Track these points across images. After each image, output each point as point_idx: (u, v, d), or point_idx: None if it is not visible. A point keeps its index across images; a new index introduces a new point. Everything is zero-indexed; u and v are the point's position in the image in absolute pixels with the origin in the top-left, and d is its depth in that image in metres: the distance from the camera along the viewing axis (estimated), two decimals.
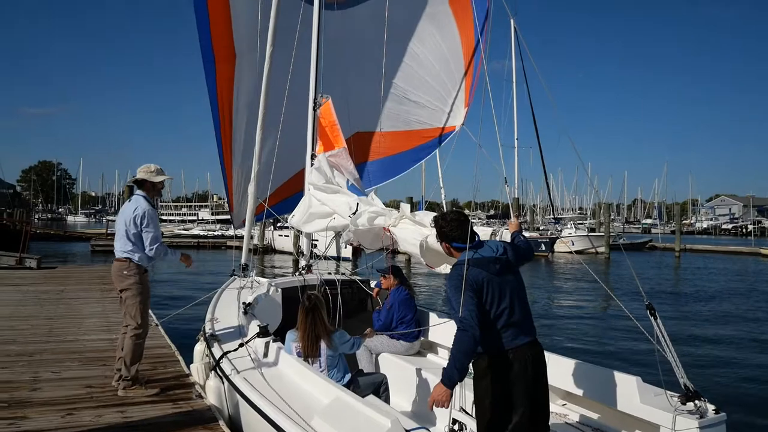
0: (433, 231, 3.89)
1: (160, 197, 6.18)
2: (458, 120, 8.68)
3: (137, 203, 5.35)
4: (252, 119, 7.65)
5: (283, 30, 7.32)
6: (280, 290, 6.61)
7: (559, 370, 4.38)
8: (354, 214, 5.29)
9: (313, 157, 6.89)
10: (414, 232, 4.68)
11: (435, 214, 4.22)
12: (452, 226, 3.60)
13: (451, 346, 3.21)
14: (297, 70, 7.27)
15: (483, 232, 4.38)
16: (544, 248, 37.03)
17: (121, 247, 5.33)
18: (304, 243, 7.67)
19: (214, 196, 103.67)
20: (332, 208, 5.88)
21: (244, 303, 5.92)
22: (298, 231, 7.01)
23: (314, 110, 7.04)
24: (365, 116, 8.87)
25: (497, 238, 4.33)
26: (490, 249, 3.54)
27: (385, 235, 5.04)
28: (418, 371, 5.28)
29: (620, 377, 4.05)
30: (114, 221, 5.60)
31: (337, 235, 6.55)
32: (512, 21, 29.37)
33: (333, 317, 6.19)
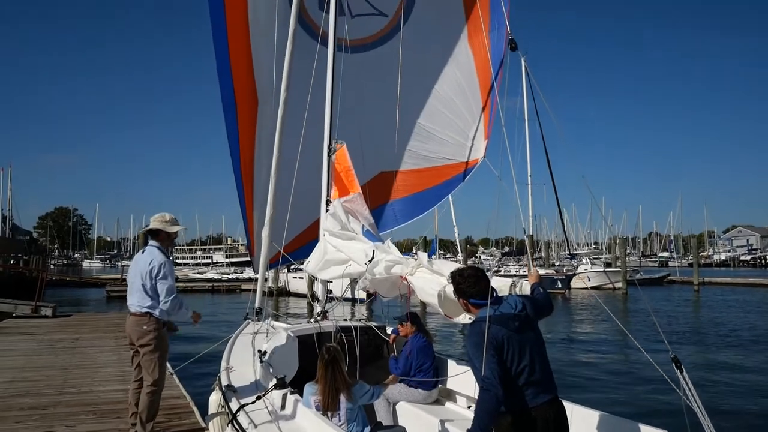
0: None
1: (173, 247, 6.14)
2: (480, 153, 8.72)
3: (152, 255, 5.27)
4: (285, 166, 7.57)
5: (302, 73, 7.40)
6: (296, 338, 6.51)
7: (583, 423, 4.22)
8: (370, 261, 5.23)
9: (328, 202, 6.87)
10: (432, 282, 4.60)
11: (453, 263, 4.16)
12: (470, 283, 3.54)
13: (469, 394, 3.14)
14: (317, 114, 7.34)
15: (502, 283, 4.31)
16: (560, 285, 36.61)
17: (139, 301, 5.22)
18: (319, 288, 7.60)
19: (228, 238, 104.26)
20: (348, 254, 5.82)
21: (259, 351, 5.83)
22: (314, 277, 6.95)
23: (329, 156, 7.06)
24: (388, 155, 8.90)
25: (517, 291, 4.25)
26: (509, 305, 3.49)
27: (402, 284, 4.96)
28: (441, 423, 5.13)
29: (647, 431, 3.89)
30: (128, 266, 5.51)
31: (353, 281, 6.47)
32: (523, 60, 29.61)
33: (350, 365, 6.07)
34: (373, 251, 5.42)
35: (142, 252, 5.43)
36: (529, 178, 40.88)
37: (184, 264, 73.77)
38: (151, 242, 5.42)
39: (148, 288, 5.18)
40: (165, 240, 5.47)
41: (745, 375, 13.37)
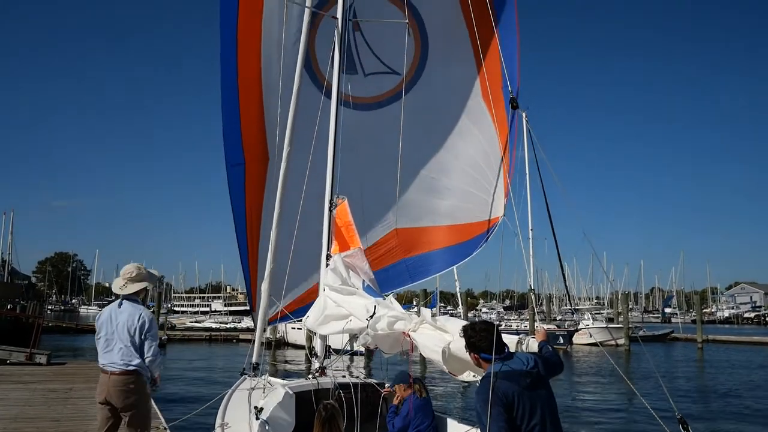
0: (455, 337, 3.80)
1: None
2: (500, 211, 8.63)
3: (139, 309, 5.05)
4: (286, 220, 7.51)
5: (314, 130, 7.48)
6: (293, 394, 6.40)
7: None
8: (371, 317, 5.19)
9: (328, 257, 6.87)
10: (435, 338, 4.55)
11: (457, 320, 4.14)
12: (481, 336, 3.51)
13: None
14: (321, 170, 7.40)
15: (508, 340, 4.27)
16: (562, 341, 36.12)
17: (124, 358, 4.93)
18: (317, 343, 7.51)
19: (228, 287, 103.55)
20: (348, 310, 5.78)
21: (255, 408, 5.71)
22: (313, 332, 6.88)
23: (330, 210, 7.09)
24: (406, 212, 8.82)
25: (524, 348, 4.20)
26: (520, 361, 3.44)
27: (405, 340, 4.91)
28: None
29: None
30: None
31: (354, 337, 6.41)
32: (524, 115, 30.03)
33: (348, 424, 5.94)
34: (375, 307, 5.38)
35: (119, 306, 5.11)
36: (530, 232, 40.88)
37: (182, 312, 73.06)
38: (131, 296, 5.14)
39: (137, 344, 4.96)
40: (142, 291, 5.26)
41: None
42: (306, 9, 7.32)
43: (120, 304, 5.12)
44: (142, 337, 4.97)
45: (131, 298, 5.13)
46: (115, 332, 5.00)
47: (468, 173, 8.87)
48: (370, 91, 8.62)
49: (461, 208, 8.85)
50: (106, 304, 6.15)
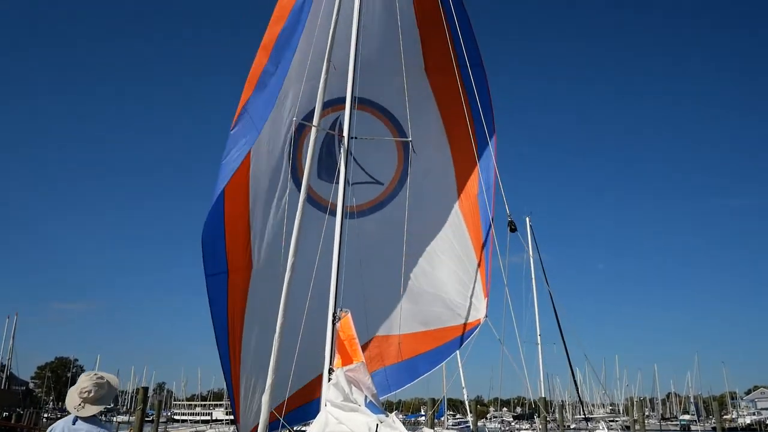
0: None
1: None
2: (480, 313, 8.71)
3: (102, 426, 4.39)
4: (266, 328, 7.54)
5: (306, 241, 7.66)
6: None
7: None
8: None
9: (330, 371, 6.79)
10: None
11: None
12: None
13: None
14: (318, 279, 7.49)
15: None
16: None
17: None
18: None
19: None
20: (350, 428, 5.66)
21: None
22: None
23: (333, 324, 7.09)
24: (382, 319, 8.94)
25: None
26: None
27: None
28: None
29: None
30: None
31: None
32: (528, 219, 30.49)
33: None
34: (377, 425, 5.28)
35: (73, 423, 4.31)
36: (538, 337, 40.06)
37: (182, 421, 70.63)
38: (91, 414, 4.31)
39: None
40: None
41: None
42: (313, 128, 7.68)
43: (74, 421, 4.31)
44: None
45: (91, 415, 4.31)
46: None
47: (445, 280, 9.07)
48: (353, 200, 8.91)
49: (438, 313, 9.01)
50: (104, 412, 5.72)
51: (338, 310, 7.14)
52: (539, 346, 40.19)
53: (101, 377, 4.34)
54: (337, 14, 7.88)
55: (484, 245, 8.81)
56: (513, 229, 6.33)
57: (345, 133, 7.89)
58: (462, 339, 8.82)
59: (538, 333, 40.22)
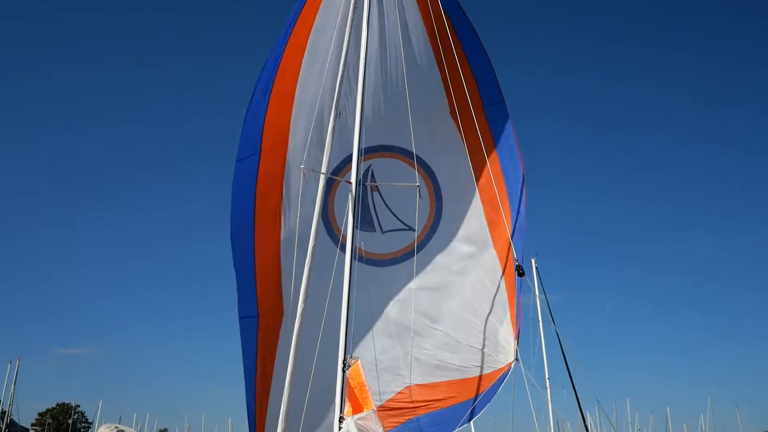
0: None
1: None
2: (510, 356, 8.46)
3: None
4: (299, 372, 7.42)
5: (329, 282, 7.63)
6: None
7: None
8: None
9: (341, 419, 6.68)
10: None
11: None
12: None
13: None
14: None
15: None
16: None
17: None
18: None
19: None
20: None
21: None
22: None
23: (343, 371, 7.00)
24: (417, 367, 8.73)
25: None
26: None
27: None
28: None
29: None
30: None
31: None
32: (533, 261, 30.28)
33: None
34: None
35: None
36: (547, 381, 39.31)
37: None
38: None
39: None
40: None
41: None
42: (321, 175, 7.76)
43: None
44: None
45: None
46: None
47: (479, 327, 8.89)
48: (386, 248, 8.89)
49: (473, 360, 8.75)
50: None
51: (348, 356, 7.06)
52: (548, 389, 39.37)
53: (122, 430, 4.37)
54: (344, 65, 8.02)
55: (516, 286, 8.63)
56: (521, 274, 6.34)
57: (353, 179, 7.95)
58: (500, 382, 8.51)
59: (547, 376, 39.44)
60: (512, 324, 8.56)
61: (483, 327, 8.80)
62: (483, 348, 8.72)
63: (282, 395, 7.81)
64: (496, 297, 8.82)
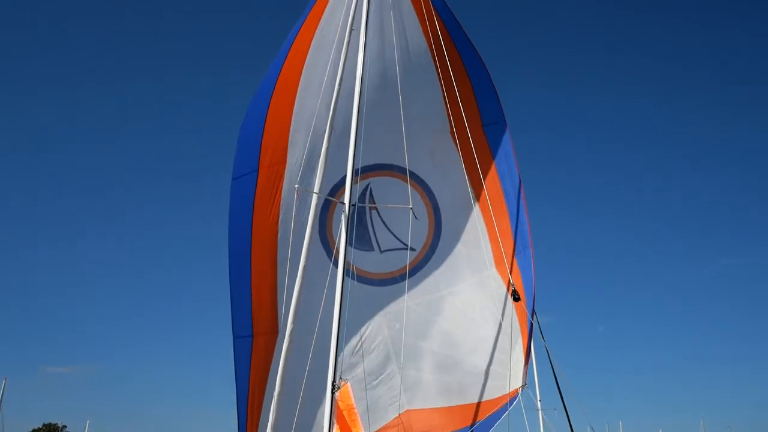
0: None
1: None
2: (518, 381, 8.23)
3: None
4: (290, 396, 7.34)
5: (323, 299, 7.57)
6: None
7: None
8: None
9: None
10: None
11: None
12: None
13: None
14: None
15: None
16: None
17: None
18: None
19: None
20: None
21: None
22: None
23: (332, 392, 6.92)
24: (419, 391, 8.54)
25: None
26: None
27: None
28: None
29: None
30: None
31: None
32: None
33: None
34: None
35: None
36: (539, 403, 38.96)
37: None
38: None
39: None
40: None
41: None
42: (314, 195, 7.70)
43: None
44: None
45: None
46: None
47: (481, 348, 8.68)
48: (385, 267, 8.81)
49: (474, 384, 8.52)
50: None
51: (338, 378, 6.97)
52: (540, 411, 38.93)
53: None
54: (340, 84, 8.00)
55: (526, 308, 8.41)
56: (516, 299, 6.32)
57: (346, 200, 7.88)
58: (502, 410, 8.22)
59: (538, 398, 39.04)
60: (524, 345, 8.30)
61: (490, 350, 8.55)
62: (486, 372, 8.51)
63: (269, 411, 7.73)
64: (504, 319, 8.59)
